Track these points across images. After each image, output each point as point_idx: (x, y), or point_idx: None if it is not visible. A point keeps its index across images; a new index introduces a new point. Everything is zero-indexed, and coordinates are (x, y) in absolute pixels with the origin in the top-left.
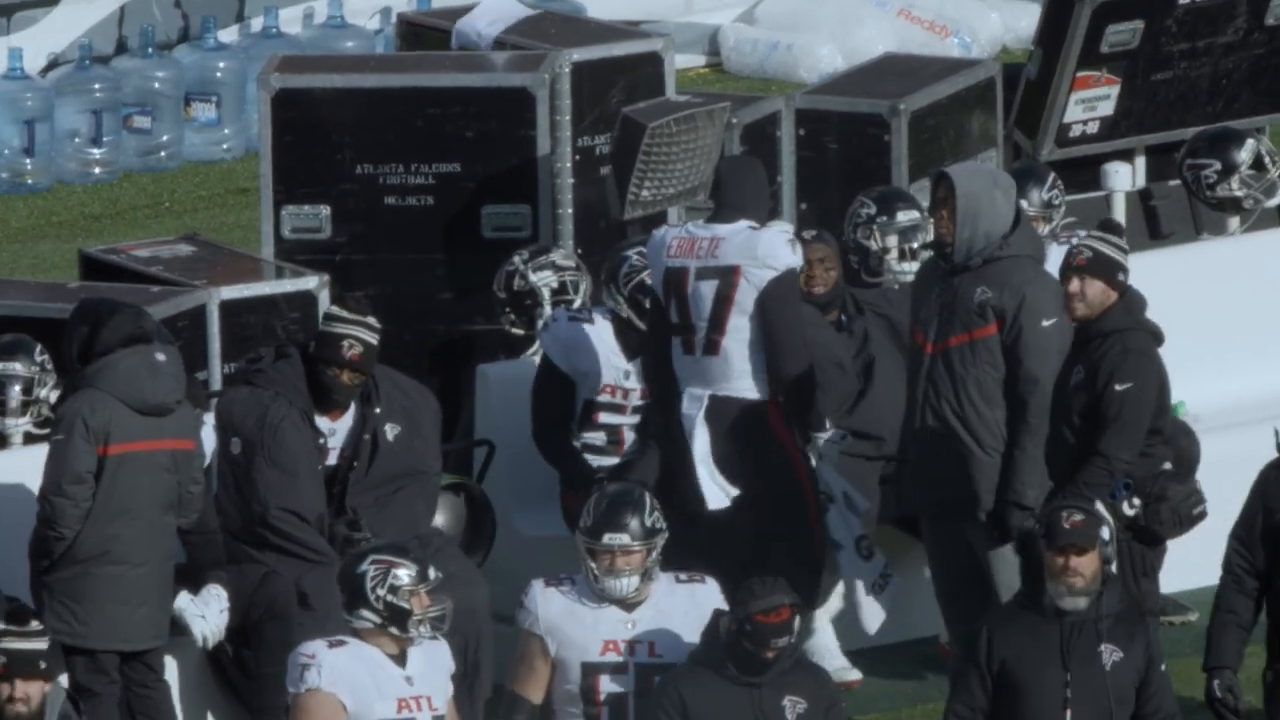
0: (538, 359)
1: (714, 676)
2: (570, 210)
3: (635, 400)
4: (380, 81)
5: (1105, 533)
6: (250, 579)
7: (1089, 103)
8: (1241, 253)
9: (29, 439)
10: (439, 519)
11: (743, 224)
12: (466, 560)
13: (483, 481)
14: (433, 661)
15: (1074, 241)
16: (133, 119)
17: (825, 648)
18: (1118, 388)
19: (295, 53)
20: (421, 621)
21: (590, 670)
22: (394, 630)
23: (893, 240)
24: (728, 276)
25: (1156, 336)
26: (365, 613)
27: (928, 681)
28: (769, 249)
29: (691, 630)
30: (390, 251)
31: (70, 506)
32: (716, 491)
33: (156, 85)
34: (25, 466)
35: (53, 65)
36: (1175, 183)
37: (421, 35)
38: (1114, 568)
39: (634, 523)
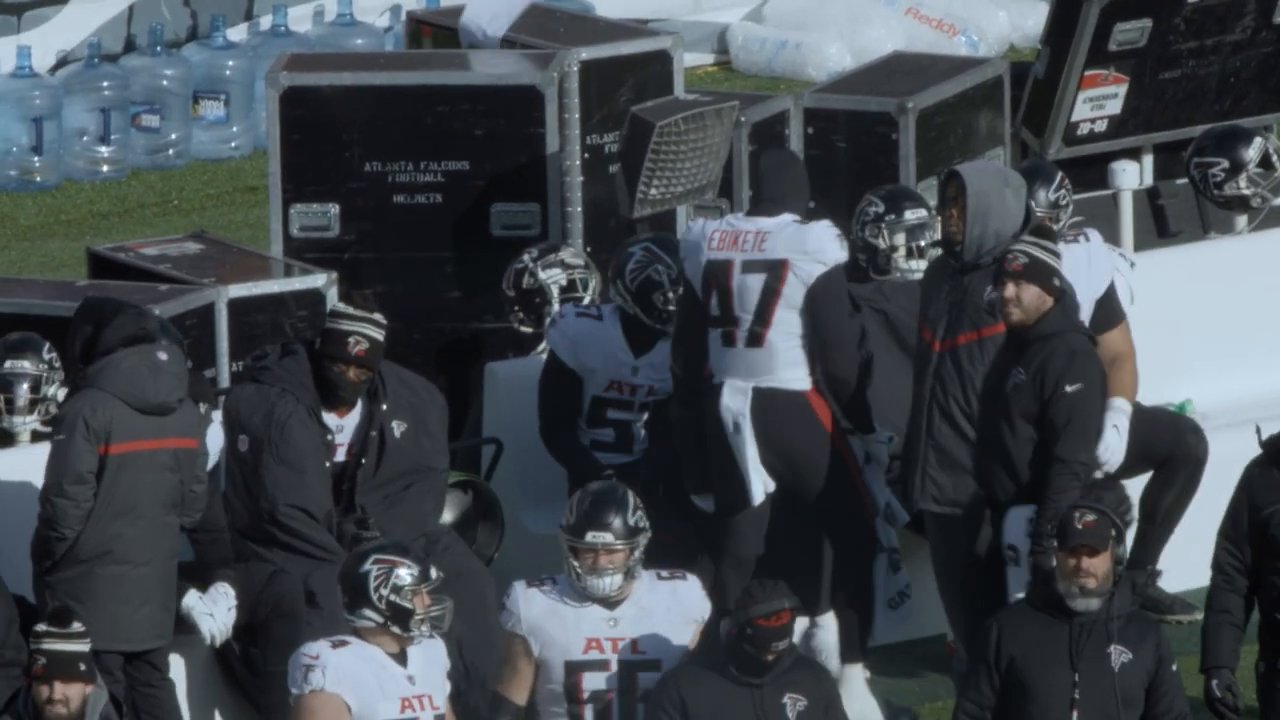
0: (546, 356)
1: (715, 677)
2: (579, 208)
3: (643, 397)
4: (389, 79)
5: (1116, 533)
6: (258, 577)
7: (1097, 101)
8: (1249, 251)
9: (36, 437)
10: (447, 516)
11: (787, 217)
12: (474, 558)
13: (491, 479)
14: (432, 660)
15: (1014, 248)
16: (141, 117)
17: (833, 646)
18: (1068, 389)
19: (304, 51)
20: (423, 621)
21: (573, 669)
22: (396, 629)
23: (900, 238)
24: (776, 270)
25: (1092, 339)
26: (368, 612)
27: (934, 680)
28: (819, 244)
29: (674, 627)
30: (399, 250)
31: (71, 507)
32: (759, 485)
33: (165, 83)
34: (32, 465)
35: (62, 63)
36: (1183, 181)
37: (431, 33)
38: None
39: (617, 521)
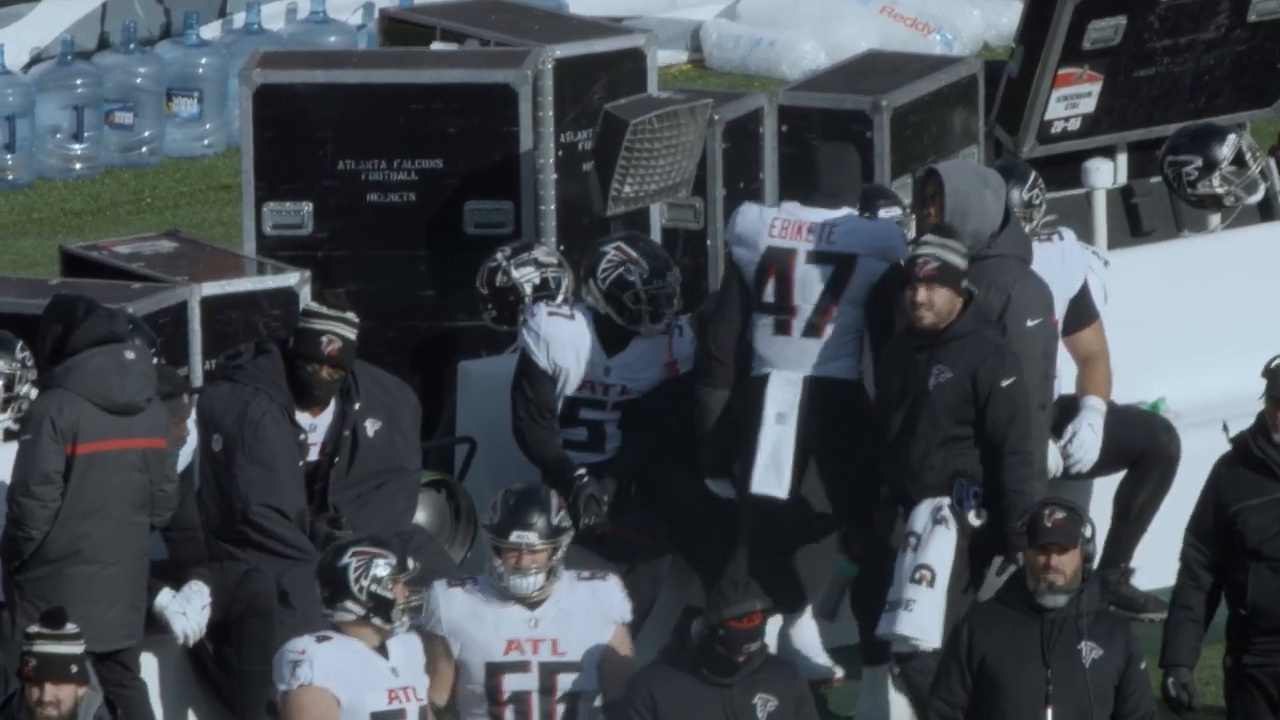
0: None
1: (685, 677)
2: (553, 206)
3: (616, 397)
4: (362, 77)
5: (1087, 530)
6: (232, 576)
7: (1070, 99)
8: (1223, 250)
9: (9, 436)
10: (420, 516)
11: (849, 211)
12: (447, 558)
13: (464, 478)
14: (411, 653)
15: (922, 251)
16: (114, 115)
17: (808, 645)
18: (1004, 384)
19: (277, 48)
20: (404, 611)
21: (494, 670)
22: (377, 621)
23: None
24: (844, 264)
25: (1003, 334)
26: (349, 604)
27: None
28: (889, 241)
29: (594, 628)
30: (372, 248)
31: (38, 507)
32: (774, 480)
33: (138, 81)
34: (4, 463)
35: (35, 61)
36: (1157, 180)
37: (404, 31)
38: (1094, 565)
39: (541, 521)
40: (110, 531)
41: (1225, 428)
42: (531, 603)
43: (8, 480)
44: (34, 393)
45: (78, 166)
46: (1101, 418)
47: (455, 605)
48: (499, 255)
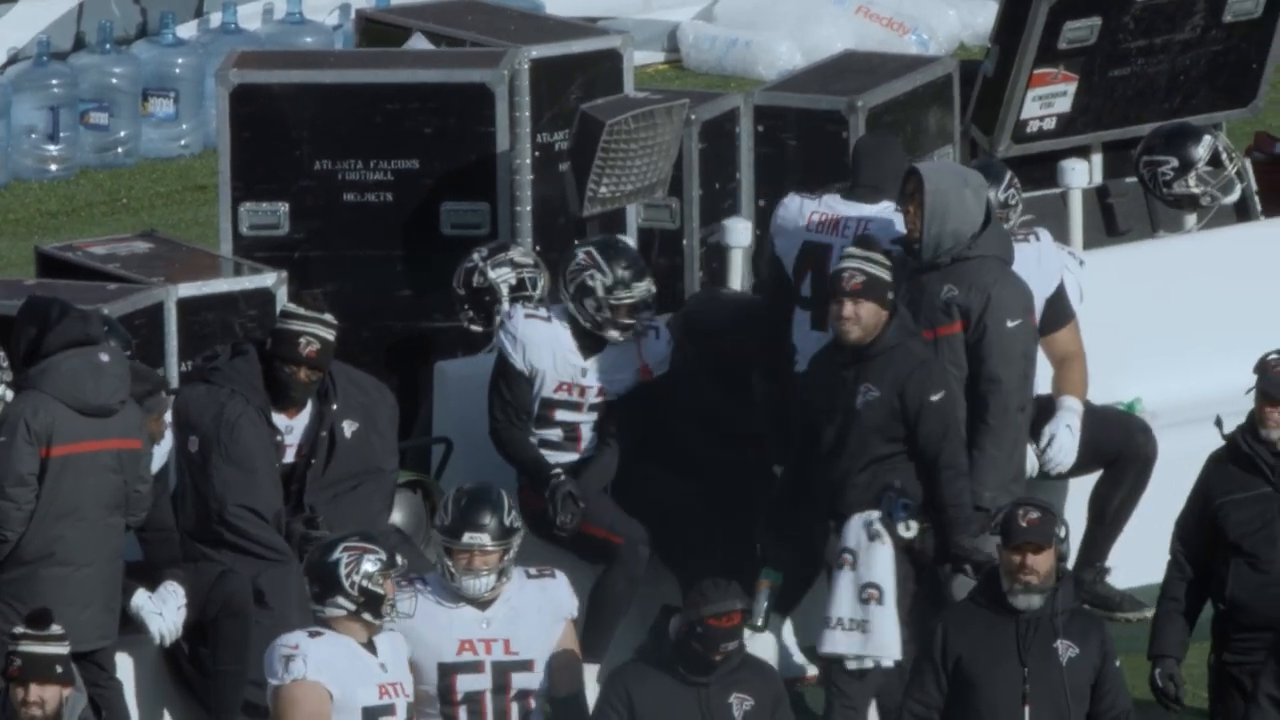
0: (494, 356)
1: (662, 675)
2: (529, 207)
3: (592, 398)
4: (339, 77)
5: (1061, 530)
6: (207, 576)
7: (1046, 99)
8: (1198, 250)
9: None
10: (396, 516)
11: (888, 205)
12: (423, 558)
13: (440, 479)
14: (397, 650)
15: (846, 265)
16: (90, 115)
17: (783, 645)
18: (933, 399)
19: (254, 49)
20: (393, 606)
21: (447, 671)
22: (367, 616)
23: None
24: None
25: (928, 346)
26: (340, 600)
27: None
28: None
29: (544, 625)
30: (349, 248)
31: (13, 509)
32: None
33: (114, 81)
34: None
35: (11, 61)
36: (1132, 180)
37: (380, 31)
38: (1068, 565)
39: (492, 522)
40: (85, 533)
41: (1219, 423)
42: (483, 602)
43: None
44: (9, 395)
45: (53, 167)
46: (1078, 418)
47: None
48: (475, 256)
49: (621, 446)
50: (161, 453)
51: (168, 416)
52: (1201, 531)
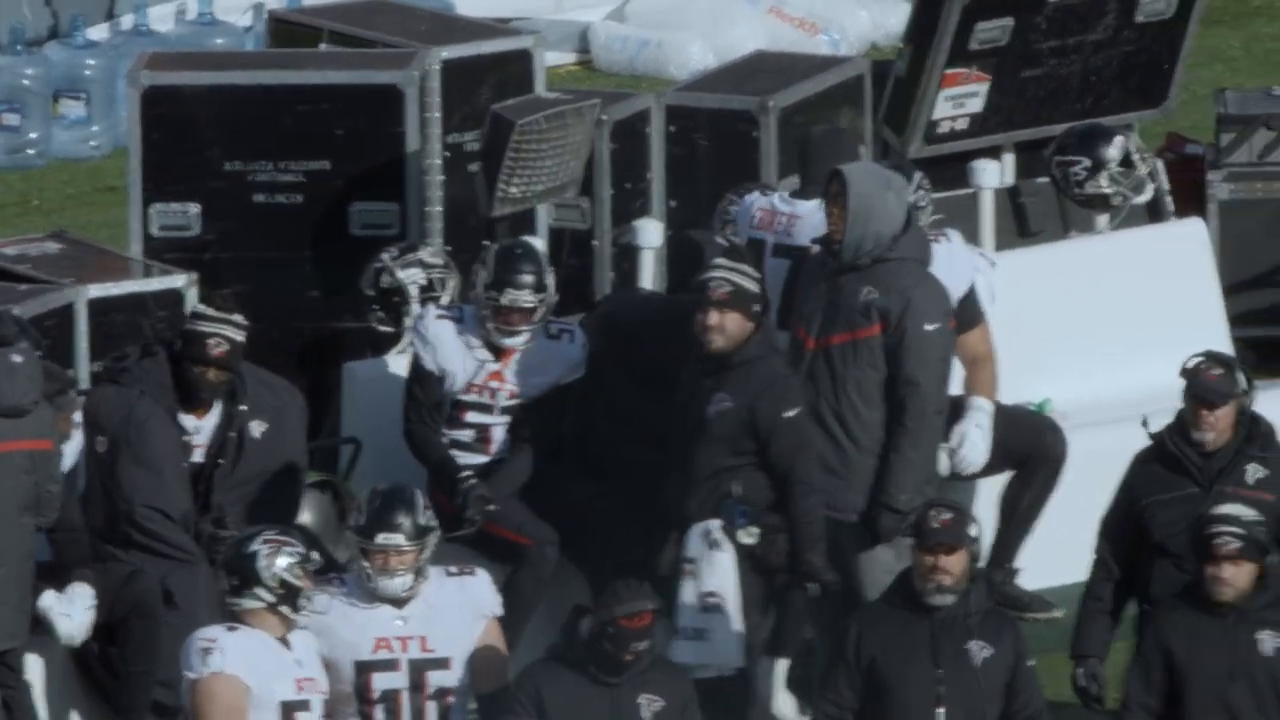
0: (405, 357)
1: (573, 674)
2: (439, 207)
3: (504, 400)
4: (250, 79)
5: (973, 530)
6: (116, 577)
7: (958, 100)
8: (1110, 250)
9: None
10: (305, 516)
11: (820, 202)
12: (333, 559)
13: (349, 479)
14: (310, 648)
15: (713, 274)
16: (1, 116)
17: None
18: (787, 415)
19: (165, 50)
20: (310, 599)
21: (363, 669)
22: (285, 609)
23: None
24: (800, 256)
25: (787, 361)
26: (259, 591)
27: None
28: None
29: (463, 623)
30: (259, 249)
31: None
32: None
33: (25, 82)
34: None
35: None
36: (1044, 180)
37: (292, 33)
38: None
39: (407, 522)
40: None
41: (1145, 423)
42: (400, 601)
43: None
44: None
45: None
46: (989, 419)
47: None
48: (385, 256)
49: (535, 450)
50: (71, 452)
51: (77, 416)
52: (1127, 531)
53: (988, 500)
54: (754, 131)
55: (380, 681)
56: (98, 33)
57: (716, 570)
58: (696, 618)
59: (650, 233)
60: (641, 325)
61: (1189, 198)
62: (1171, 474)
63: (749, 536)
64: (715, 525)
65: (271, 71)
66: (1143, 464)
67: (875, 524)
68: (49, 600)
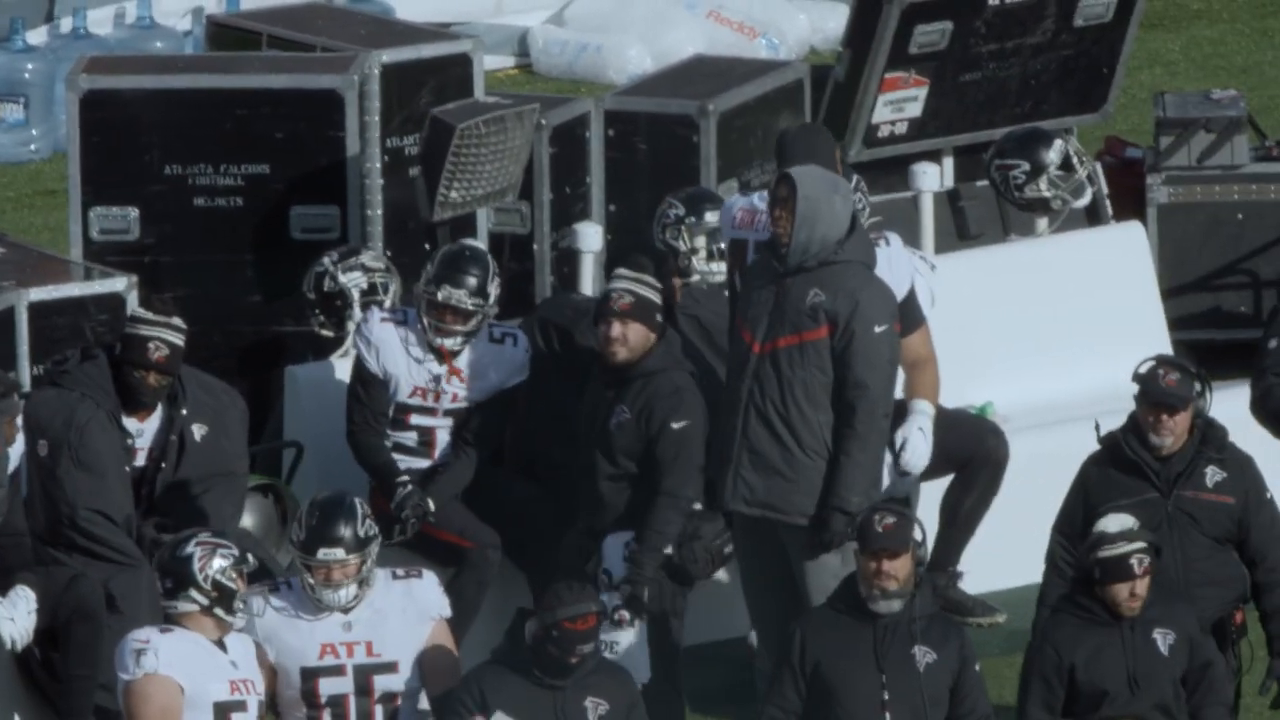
0: (346, 360)
1: (517, 677)
2: (379, 211)
3: (447, 404)
4: (189, 82)
5: (918, 534)
6: (58, 581)
7: (897, 104)
8: (1050, 254)
9: None
10: (247, 520)
11: None
12: (275, 561)
13: (291, 483)
14: (247, 651)
15: (615, 286)
16: None
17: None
18: (675, 426)
19: (104, 54)
20: (245, 602)
21: (309, 675)
22: (219, 611)
23: (701, 241)
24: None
25: (693, 374)
26: (193, 594)
27: (737, 682)
28: None
29: (409, 626)
30: (199, 253)
31: None
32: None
33: None
34: None
35: None
36: (983, 183)
37: (230, 37)
38: (925, 569)
39: (347, 534)
40: None
41: (1097, 427)
42: (345, 607)
43: None
44: None
45: None
46: (931, 421)
47: (268, 611)
48: (326, 260)
49: (478, 453)
50: (14, 456)
51: (20, 420)
52: (1081, 536)
53: (930, 504)
54: (693, 135)
55: (327, 687)
56: (36, 36)
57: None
58: (608, 629)
59: (590, 236)
60: (575, 328)
61: (1128, 201)
62: (1129, 478)
63: (667, 550)
64: (630, 538)
65: (211, 75)
66: (1098, 467)
67: (827, 527)
68: None
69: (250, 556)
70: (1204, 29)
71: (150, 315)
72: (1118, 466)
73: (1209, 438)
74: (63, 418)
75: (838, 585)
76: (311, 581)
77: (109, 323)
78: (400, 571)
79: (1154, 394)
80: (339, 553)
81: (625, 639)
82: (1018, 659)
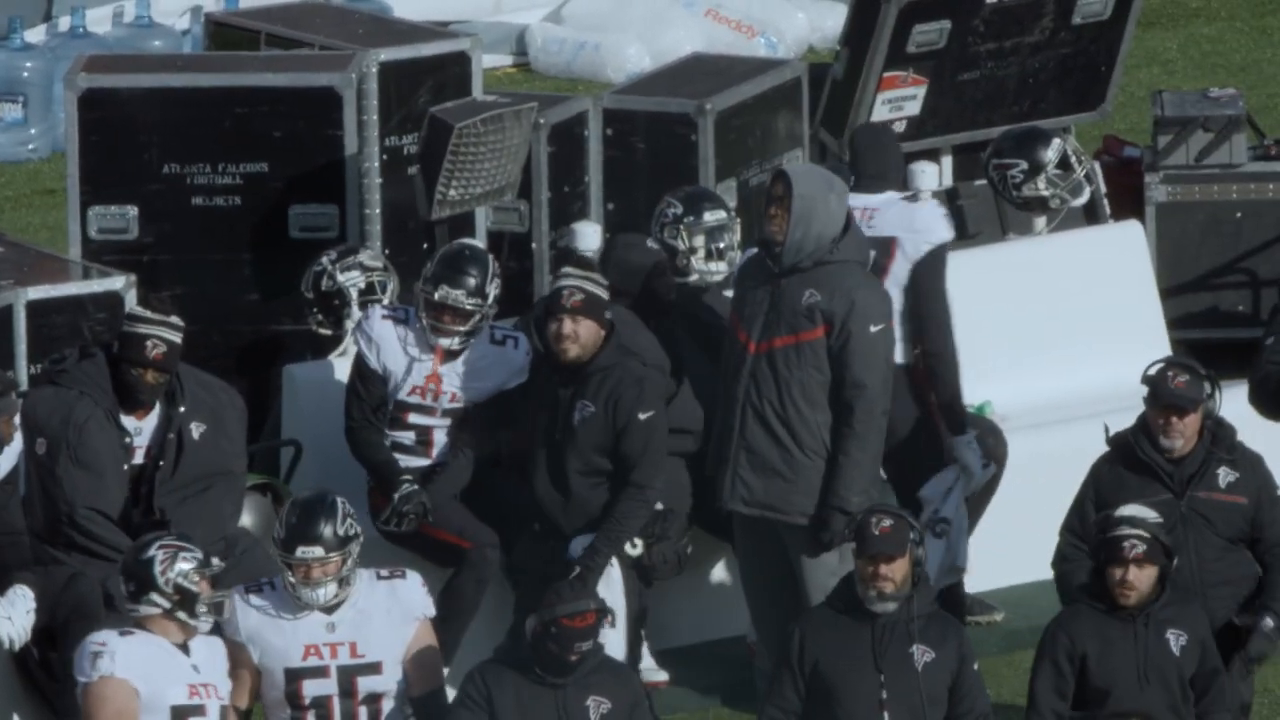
0: (345, 359)
1: (519, 676)
2: (378, 210)
3: (446, 403)
4: (187, 81)
5: (915, 535)
6: (57, 580)
7: (895, 102)
8: (1048, 253)
9: None
10: (245, 519)
11: (893, 194)
12: (273, 561)
13: (290, 482)
14: (214, 655)
15: (565, 284)
16: None
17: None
18: (641, 417)
19: (102, 52)
20: (207, 606)
21: (293, 676)
22: (182, 615)
23: (699, 240)
24: (885, 247)
25: (644, 365)
26: (155, 597)
27: (736, 682)
28: (927, 222)
29: (393, 627)
30: (197, 252)
31: None
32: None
33: None
34: None
35: None
36: (982, 182)
37: (229, 35)
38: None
39: (327, 532)
40: None
41: (1106, 429)
42: (329, 607)
43: None
44: None
45: None
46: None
47: (252, 613)
48: (324, 259)
49: (477, 453)
50: (12, 455)
51: (18, 419)
52: (1091, 535)
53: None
54: (691, 134)
55: (310, 688)
56: (35, 35)
57: (607, 585)
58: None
59: (588, 235)
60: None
61: (1126, 200)
62: (1141, 479)
63: (634, 548)
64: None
65: (209, 74)
66: (1110, 466)
67: (827, 526)
68: None
69: (215, 560)
70: (1202, 27)
71: (148, 313)
72: (1129, 467)
73: (1219, 438)
74: (61, 416)
75: (836, 584)
76: (292, 580)
77: (107, 321)
78: (384, 572)
79: (1164, 396)
80: (318, 551)
81: (610, 641)
82: (1016, 658)
